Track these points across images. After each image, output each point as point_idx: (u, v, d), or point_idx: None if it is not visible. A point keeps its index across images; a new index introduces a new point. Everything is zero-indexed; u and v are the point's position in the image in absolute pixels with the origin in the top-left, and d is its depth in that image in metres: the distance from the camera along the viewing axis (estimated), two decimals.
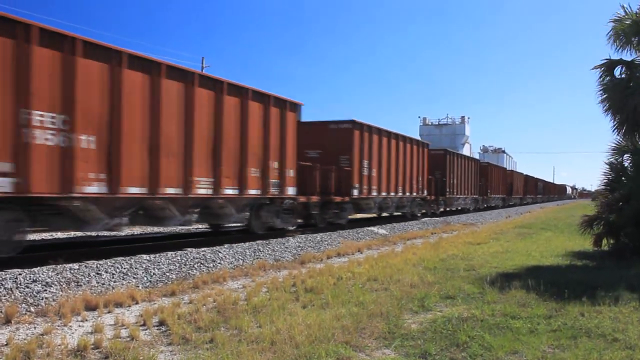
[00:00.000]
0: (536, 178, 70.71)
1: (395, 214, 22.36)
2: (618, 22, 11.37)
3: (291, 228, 14.56)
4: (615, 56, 11.57)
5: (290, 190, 13.54)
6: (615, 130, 11.92)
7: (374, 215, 21.26)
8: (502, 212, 36.36)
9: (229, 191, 11.40)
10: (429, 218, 24.40)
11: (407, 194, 21.46)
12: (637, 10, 11.27)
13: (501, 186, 42.76)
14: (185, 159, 10.22)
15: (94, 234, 12.48)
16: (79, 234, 13.17)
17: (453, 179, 28.24)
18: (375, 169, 18.44)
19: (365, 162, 17.66)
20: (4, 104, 7.31)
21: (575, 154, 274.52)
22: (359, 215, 19.80)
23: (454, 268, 9.54)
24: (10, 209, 7.66)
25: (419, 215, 24.06)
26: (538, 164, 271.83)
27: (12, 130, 7.40)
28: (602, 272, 9.15)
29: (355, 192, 17.01)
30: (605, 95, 11.62)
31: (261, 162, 12.41)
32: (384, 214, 21.67)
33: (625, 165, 11.95)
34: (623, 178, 11.81)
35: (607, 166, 12.08)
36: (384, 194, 19.22)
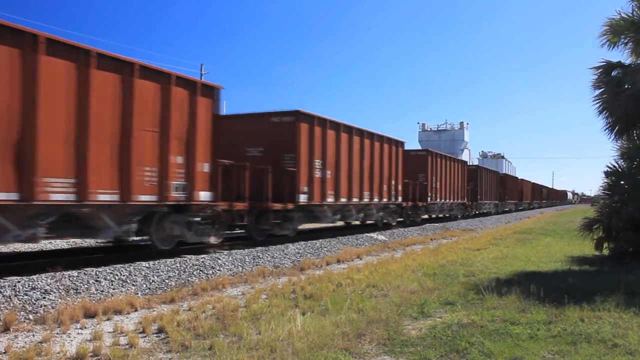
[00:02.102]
0: (541, 185, 77.45)
1: (440, 215, 28.27)
2: (612, 26, 11.49)
3: (394, 223, 20.83)
4: (606, 55, 11.73)
5: (400, 198, 20.83)
6: (607, 130, 12.00)
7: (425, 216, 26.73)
8: (502, 217, 36.43)
9: (375, 199, 18.51)
10: (429, 224, 24.76)
11: (455, 200, 28.50)
12: (633, 11, 11.39)
13: (514, 193, 49.12)
14: (361, 181, 17.33)
15: (92, 242, 12.52)
16: (78, 241, 13.24)
17: (482, 188, 35.29)
18: (439, 182, 25.33)
19: (433, 178, 24.57)
20: (305, 158, 14.31)
21: (574, 159, 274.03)
22: (424, 216, 25.74)
23: (454, 274, 9.53)
24: (300, 211, 14.50)
25: (459, 217, 29.91)
26: (537, 170, 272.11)
27: (308, 170, 14.47)
28: (601, 277, 9.13)
29: (429, 199, 24.01)
30: (598, 95, 11.73)
31: (387, 180, 19.41)
32: (433, 215, 27.56)
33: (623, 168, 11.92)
34: (622, 182, 11.81)
35: (608, 169, 12.06)
36: (443, 200, 26.19)
